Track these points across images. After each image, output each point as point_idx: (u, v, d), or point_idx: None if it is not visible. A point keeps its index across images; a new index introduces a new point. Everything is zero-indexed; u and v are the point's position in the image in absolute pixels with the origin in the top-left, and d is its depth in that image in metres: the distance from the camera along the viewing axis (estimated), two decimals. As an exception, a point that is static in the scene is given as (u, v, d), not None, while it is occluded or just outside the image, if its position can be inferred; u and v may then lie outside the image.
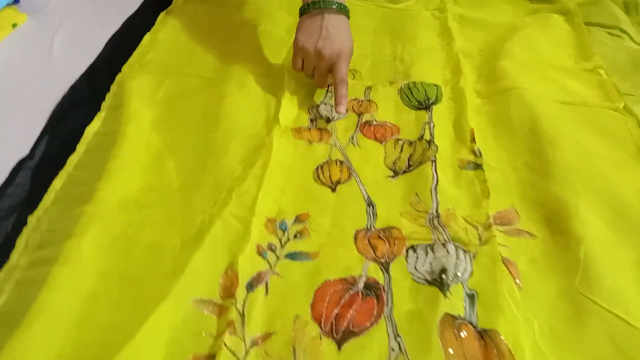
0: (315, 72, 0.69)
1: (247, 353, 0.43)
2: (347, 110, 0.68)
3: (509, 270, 0.50)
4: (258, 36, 0.83)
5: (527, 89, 0.71)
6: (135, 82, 0.71)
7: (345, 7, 0.68)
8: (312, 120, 0.67)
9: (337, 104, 0.66)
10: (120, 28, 0.85)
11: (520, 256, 0.52)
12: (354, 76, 0.76)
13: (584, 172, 0.59)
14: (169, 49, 0.80)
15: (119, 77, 0.72)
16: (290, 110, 0.68)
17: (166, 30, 0.84)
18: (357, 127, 0.67)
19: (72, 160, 0.59)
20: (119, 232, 0.52)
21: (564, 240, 0.52)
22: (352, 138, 0.65)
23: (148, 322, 0.43)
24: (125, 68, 0.74)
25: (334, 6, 0.67)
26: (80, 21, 0.86)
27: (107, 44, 0.81)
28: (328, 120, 0.67)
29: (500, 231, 0.54)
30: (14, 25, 0.82)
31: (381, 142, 0.65)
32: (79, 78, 0.73)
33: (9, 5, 0.83)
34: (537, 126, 0.65)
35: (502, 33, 0.86)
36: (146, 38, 0.82)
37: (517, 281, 0.49)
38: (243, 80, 0.71)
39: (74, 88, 0.71)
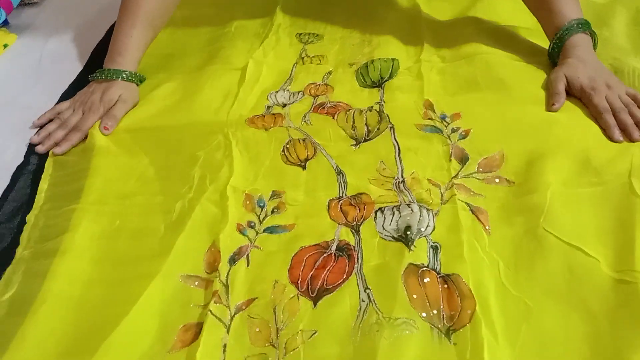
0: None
1: (232, 318, 0.48)
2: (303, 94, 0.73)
3: (479, 219, 0.54)
4: (233, 31, 0.88)
5: (490, 53, 0.75)
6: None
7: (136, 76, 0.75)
8: (268, 107, 0.71)
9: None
10: (104, 36, 0.90)
11: (493, 203, 0.55)
12: (320, 61, 0.80)
13: (554, 126, 0.63)
14: (148, 51, 0.84)
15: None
16: (247, 99, 0.72)
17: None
18: (310, 109, 0.70)
19: (49, 162, 0.66)
20: (107, 222, 0.57)
21: (535, 183, 0.56)
22: (305, 117, 0.69)
23: (141, 299, 0.48)
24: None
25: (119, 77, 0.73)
26: (65, 34, 0.91)
27: (92, 53, 0.86)
28: (284, 106, 0.71)
29: (479, 179, 0.58)
30: (5, 46, 0.87)
31: (332, 116, 0.69)
32: (67, 88, 0.78)
33: (-1, 28, 0.88)
34: (504, 86, 0.69)
35: (467, 2, 0.89)
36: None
37: (487, 227, 0.53)
38: (209, 72, 0.77)
39: (62, 98, 0.76)
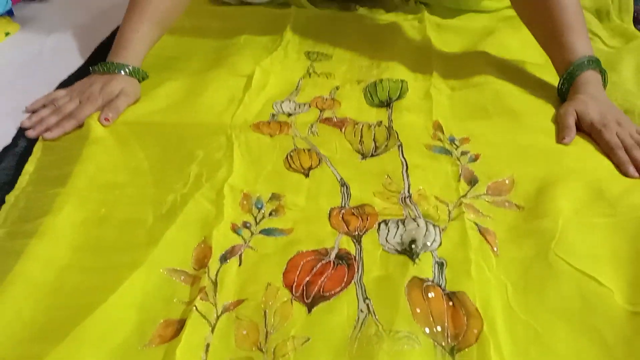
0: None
1: (218, 318, 0.44)
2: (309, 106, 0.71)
3: (487, 240, 0.51)
4: (241, 42, 0.87)
5: (500, 83, 0.74)
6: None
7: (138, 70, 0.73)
8: (273, 115, 0.69)
9: None
10: (109, 35, 0.88)
11: (501, 225, 0.53)
12: (327, 78, 0.78)
13: (565, 156, 0.62)
14: (153, 53, 0.83)
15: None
16: (252, 105, 0.70)
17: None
18: (317, 120, 0.69)
19: (38, 146, 0.63)
20: (93, 210, 0.53)
21: (546, 209, 0.53)
22: (312, 127, 0.67)
23: (120, 288, 0.44)
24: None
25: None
26: (69, 30, 0.89)
27: (96, 50, 0.84)
28: (289, 115, 0.69)
29: (488, 202, 0.56)
30: (7, 34, 0.85)
31: (340, 129, 0.67)
32: (67, 78, 0.75)
33: (2, 15, 0.86)
34: (514, 115, 0.68)
35: (477, 37, 0.89)
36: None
37: (495, 249, 0.50)
38: (215, 75, 0.75)
39: (60, 87, 0.73)
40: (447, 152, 0.62)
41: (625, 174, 0.59)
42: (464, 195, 0.56)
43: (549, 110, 0.70)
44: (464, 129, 0.66)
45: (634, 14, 0.98)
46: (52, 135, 0.63)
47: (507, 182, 0.58)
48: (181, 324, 0.43)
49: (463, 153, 0.62)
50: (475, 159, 0.62)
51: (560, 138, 0.64)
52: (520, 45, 0.84)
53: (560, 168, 0.59)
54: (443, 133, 0.66)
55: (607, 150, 0.62)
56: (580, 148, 0.63)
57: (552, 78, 0.75)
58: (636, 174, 0.59)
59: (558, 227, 0.51)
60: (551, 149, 0.63)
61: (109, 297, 0.43)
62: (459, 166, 0.60)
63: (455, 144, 0.64)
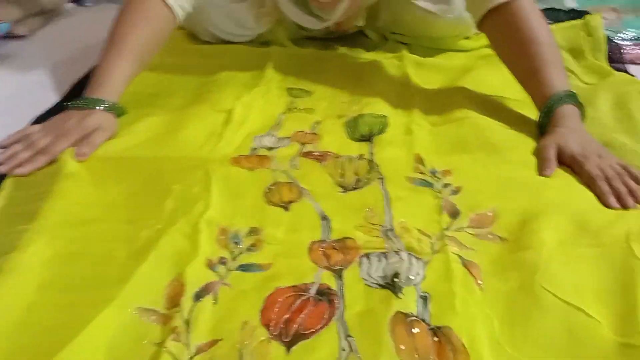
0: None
1: (191, 359, 0.41)
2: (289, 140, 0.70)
3: (470, 272, 0.49)
4: (222, 79, 0.87)
5: (480, 118, 0.74)
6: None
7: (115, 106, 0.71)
8: (254, 149, 0.68)
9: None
10: (87, 72, 0.87)
11: (485, 257, 0.52)
12: (308, 113, 0.78)
13: (548, 189, 0.61)
14: (132, 89, 0.82)
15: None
16: (232, 139, 0.69)
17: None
18: (298, 154, 0.68)
19: (9, 182, 0.60)
20: (63, 246, 0.51)
21: (529, 241, 0.52)
22: (292, 160, 0.66)
23: (87, 328, 0.41)
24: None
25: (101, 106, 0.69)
26: (47, 67, 0.88)
27: (72, 87, 0.83)
28: (270, 150, 0.68)
29: (471, 234, 0.54)
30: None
31: (321, 162, 0.66)
32: (42, 114, 0.74)
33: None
34: (495, 149, 0.68)
35: (456, 74, 0.90)
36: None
37: (479, 282, 0.49)
38: (195, 111, 0.74)
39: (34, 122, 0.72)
40: (429, 185, 0.62)
41: (606, 204, 0.58)
42: (447, 228, 0.55)
43: (529, 144, 0.70)
44: (445, 162, 0.66)
45: (608, 53, 1.00)
46: (23, 171, 0.61)
47: (489, 214, 0.57)
48: (151, 367, 0.40)
49: (445, 185, 0.62)
50: (457, 191, 0.61)
51: (541, 170, 0.64)
52: (499, 82, 0.84)
53: (542, 200, 0.58)
54: (424, 166, 0.65)
55: (588, 181, 0.62)
56: (562, 180, 0.63)
57: (532, 113, 0.76)
58: (617, 205, 0.58)
59: (542, 258, 0.50)
60: (533, 182, 0.62)
61: (75, 337, 0.40)
62: (441, 199, 0.59)
63: (437, 177, 0.63)
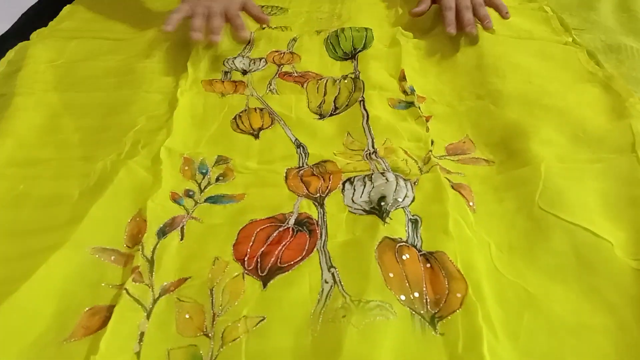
0: (209, 17, 0.64)
1: (155, 301, 0.37)
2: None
3: (462, 194, 0.45)
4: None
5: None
6: (38, 47, 0.66)
7: None
8: (226, 73, 0.61)
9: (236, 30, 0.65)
10: (37, 2, 0.79)
11: (475, 180, 0.47)
12: (283, 30, 0.71)
13: (538, 97, 0.55)
14: (86, 17, 0.74)
15: (21, 44, 0.67)
16: (202, 62, 0.62)
17: (88, 2, 0.78)
18: (275, 76, 0.61)
19: None
20: (7, 188, 0.45)
21: (523, 159, 0.47)
22: (270, 85, 0.59)
23: (34, 275, 0.36)
24: (33, 35, 0.69)
25: None
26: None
27: (21, 17, 0.75)
28: (244, 73, 0.62)
29: (453, 160, 0.49)
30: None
31: (302, 85, 0.59)
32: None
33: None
34: (483, 60, 0.62)
35: None
36: (66, 9, 0.77)
37: (471, 204, 0.44)
38: (155, 40, 0.67)
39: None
40: (410, 105, 0.55)
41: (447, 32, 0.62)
42: (431, 151, 0.49)
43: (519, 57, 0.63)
44: (422, 85, 0.59)
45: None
46: (218, 39, 0.62)
47: (463, 142, 0.52)
48: (110, 312, 0.36)
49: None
50: (427, 119, 0.54)
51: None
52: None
53: (527, 113, 0.52)
54: (406, 81, 0.58)
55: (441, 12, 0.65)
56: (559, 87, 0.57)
57: (526, 18, 0.70)
58: (453, 32, 0.63)
59: (541, 175, 0.45)
60: (517, 94, 0.56)
61: (21, 286, 0.36)
62: (423, 117, 0.54)
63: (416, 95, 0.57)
